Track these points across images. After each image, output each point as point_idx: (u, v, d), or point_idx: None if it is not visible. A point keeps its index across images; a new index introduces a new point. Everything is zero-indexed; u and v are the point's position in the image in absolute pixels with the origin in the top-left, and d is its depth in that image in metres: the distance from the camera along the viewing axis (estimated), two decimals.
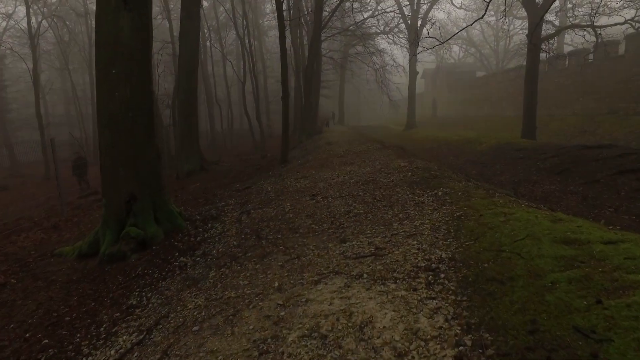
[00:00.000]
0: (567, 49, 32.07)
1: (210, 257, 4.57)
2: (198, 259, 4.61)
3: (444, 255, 3.24)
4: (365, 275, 3.09)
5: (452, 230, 3.79)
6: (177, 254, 4.91)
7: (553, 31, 20.45)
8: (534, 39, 16.79)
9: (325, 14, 22.86)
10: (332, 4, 23.78)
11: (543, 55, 18.62)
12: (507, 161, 12.54)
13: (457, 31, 9.83)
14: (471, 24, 10.16)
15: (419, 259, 3.29)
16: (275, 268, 3.68)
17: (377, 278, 3.02)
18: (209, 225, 5.90)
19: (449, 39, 9.95)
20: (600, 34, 14.14)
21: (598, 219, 6.41)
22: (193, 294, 3.63)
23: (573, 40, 27.64)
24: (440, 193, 5.35)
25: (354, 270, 3.25)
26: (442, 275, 2.88)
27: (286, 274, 3.47)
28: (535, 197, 8.37)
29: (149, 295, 3.93)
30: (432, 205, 4.83)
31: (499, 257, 2.90)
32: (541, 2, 16.25)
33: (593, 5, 16.67)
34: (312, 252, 3.90)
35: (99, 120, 5.52)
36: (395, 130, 34.97)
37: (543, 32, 18.10)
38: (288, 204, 6.09)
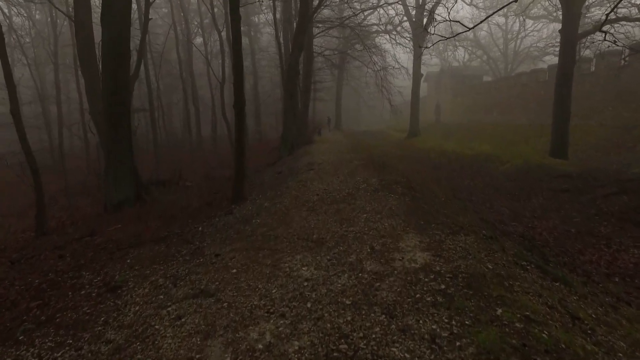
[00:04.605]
0: (587, 52, 28.93)
1: None
2: None
3: None
4: None
5: None
6: None
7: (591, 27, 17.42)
8: (569, 34, 13.75)
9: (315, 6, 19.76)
10: None
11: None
12: (545, 194, 9.42)
13: (486, 16, 6.82)
14: (497, 11, 7.49)
15: None
16: None
17: None
18: None
19: (476, 25, 6.89)
20: None
21: None
22: None
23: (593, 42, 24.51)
24: None
25: None
26: None
27: None
28: (619, 273, 5.24)
29: None
30: None
31: None
32: None
33: None
34: None
35: None
36: (397, 138, 31.85)
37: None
38: None
